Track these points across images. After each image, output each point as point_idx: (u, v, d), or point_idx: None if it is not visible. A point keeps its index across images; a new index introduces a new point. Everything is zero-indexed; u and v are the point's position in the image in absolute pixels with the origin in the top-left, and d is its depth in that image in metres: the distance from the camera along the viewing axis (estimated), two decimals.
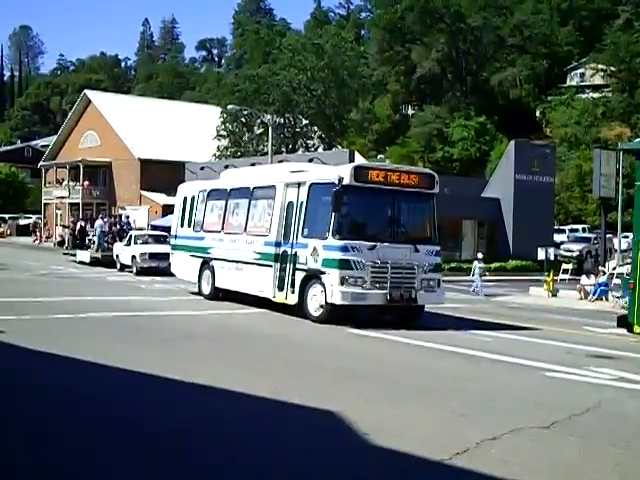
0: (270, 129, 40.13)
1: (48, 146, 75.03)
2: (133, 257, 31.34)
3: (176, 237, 23.37)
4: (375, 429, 7.49)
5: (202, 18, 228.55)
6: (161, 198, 55.54)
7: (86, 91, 69.55)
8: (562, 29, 78.33)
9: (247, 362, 11.46)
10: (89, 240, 39.47)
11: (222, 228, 20.57)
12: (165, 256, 29.95)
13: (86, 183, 62.29)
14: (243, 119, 56.20)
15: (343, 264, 15.69)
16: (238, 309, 18.76)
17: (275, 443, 7.14)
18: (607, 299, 26.10)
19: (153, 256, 30.79)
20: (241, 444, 7.07)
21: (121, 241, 34.57)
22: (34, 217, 72.67)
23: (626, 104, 62.20)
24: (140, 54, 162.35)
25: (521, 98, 76.28)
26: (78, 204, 62.21)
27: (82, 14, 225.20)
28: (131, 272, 31.02)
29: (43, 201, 69.39)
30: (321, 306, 16.14)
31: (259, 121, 54.61)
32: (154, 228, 42.34)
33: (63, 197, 64.84)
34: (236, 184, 21.05)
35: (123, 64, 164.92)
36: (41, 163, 70.88)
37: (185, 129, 59.00)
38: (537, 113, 75.56)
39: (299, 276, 16.84)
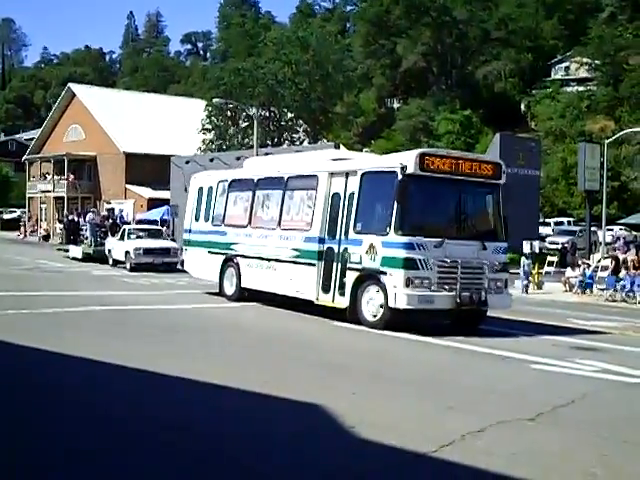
0: (255, 122, 40.02)
1: (32, 140, 74.60)
2: (127, 253, 29.93)
3: (190, 232, 21.36)
4: (361, 422, 7.50)
5: (187, 11, 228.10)
6: (146, 192, 55.39)
7: (70, 84, 69.16)
8: (547, 23, 78.56)
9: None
10: (82, 235, 38.65)
11: (249, 222, 18.70)
12: (161, 252, 29.99)
13: (71, 177, 62.00)
14: (228, 112, 56.04)
15: (408, 263, 13.99)
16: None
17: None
18: (592, 291, 26.26)
19: (148, 252, 29.62)
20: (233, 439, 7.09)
21: (113, 236, 33.32)
22: (18, 211, 72.29)
23: (610, 97, 62.47)
24: (125, 47, 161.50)
25: (506, 91, 76.43)
26: (63, 198, 61.94)
27: (66, 7, 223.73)
28: (124, 268, 29.80)
29: (27, 195, 69.04)
30: (379, 311, 14.49)
31: (244, 114, 54.44)
32: (139, 222, 41.84)
33: (48, 191, 64.53)
34: (265, 174, 19.04)
35: (108, 57, 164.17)
36: (25, 157, 70.49)
37: (170, 123, 58.79)
38: (522, 106, 75.79)
39: (351, 276, 15.10)
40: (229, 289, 19.25)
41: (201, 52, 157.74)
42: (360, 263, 14.88)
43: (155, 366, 10.04)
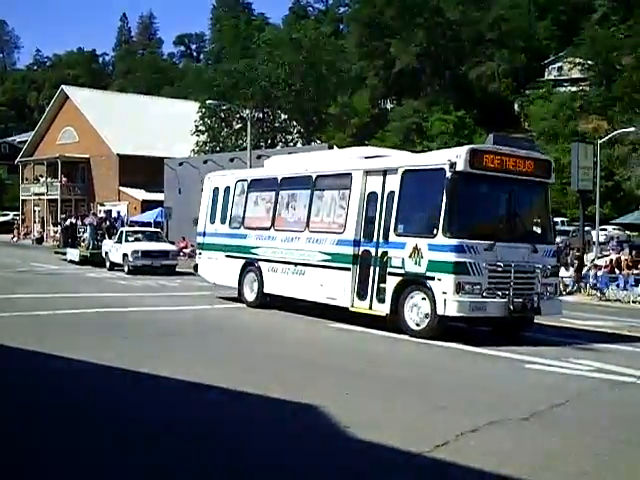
0: (249, 124, 40.03)
1: (25, 142, 74.42)
2: (125, 255, 29.50)
3: (204, 235, 20.32)
4: (355, 422, 7.49)
5: (180, 13, 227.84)
6: (140, 194, 55.31)
7: (63, 86, 69.01)
8: (540, 23, 78.74)
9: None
10: (79, 238, 37.97)
11: (272, 224, 17.64)
12: (159, 254, 29.65)
13: (64, 179, 61.90)
14: (222, 114, 56.01)
15: (459, 268, 13.05)
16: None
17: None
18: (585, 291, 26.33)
19: (146, 254, 29.25)
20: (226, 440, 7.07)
21: (111, 238, 32.80)
22: (11, 214, 72.12)
23: (603, 97, 62.59)
24: (118, 49, 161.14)
25: (499, 92, 76.53)
26: (56, 200, 61.85)
27: (58, 9, 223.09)
28: (122, 271, 29.41)
29: (21, 198, 68.88)
30: (425, 319, 13.58)
31: (238, 116, 54.45)
32: (132, 224, 41.71)
33: (41, 194, 64.42)
34: (289, 172, 18.02)
35: (101, 59, 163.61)
36: (18, 159, 70.34)
37: (164, 125, 58.69)
38: (515, 107, 75.92)
39: (392, 282, 14.09)
40: (249, 295, 18.20)
41: (194, 54, 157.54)
42: (402, 267, 13.91)
43: (147, 367, 10.02)
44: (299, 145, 53.68)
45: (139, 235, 31.87)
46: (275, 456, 6.58)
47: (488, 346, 12.79)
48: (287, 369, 10.56)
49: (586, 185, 30.96)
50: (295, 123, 58.22)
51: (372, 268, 14.61)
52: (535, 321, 15.44)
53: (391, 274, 14.14)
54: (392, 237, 14.24)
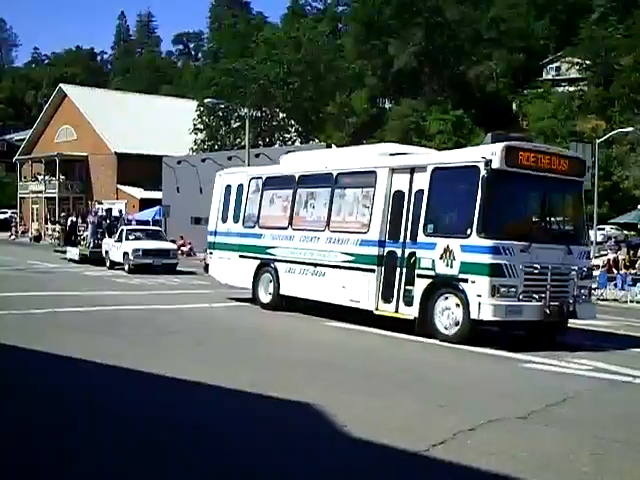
0: (247, 123, 39.99)
1: (23, 140, 74.38)
2: (125, 254, 29.28)
3: (216, 234, 19.67)
4: (353, 420, 7.49)
5: (179, 12, 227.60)
6: (138, 192, 55.31)
7: (61, 85, 68.99)
8: (538, 23, 78.74)
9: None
10: (79, 236, 37.61)
11: (289, 223, 17.07)
12: (160, 253, 29.51)
13: (62, 177, 61.87)
14: (220, 113, 56.00)
15: (494, 270, 12.50)
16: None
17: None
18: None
19: (147, 253, 29.09)
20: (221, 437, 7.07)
21: (111, 237, 32.37)
22: (9, 212, 72.07)
23: (601, 97, 62.62)
24: (116, 48, 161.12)
25: (498, 92, 76.53)
26: (54, 199, 61.86)
27: (57, 7, 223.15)
28: (122, 270, 29.17)
29: (19, 196, 68.85)
30: (457, 323, 13.07)
31: (236, 115, 54.44)
32: (129, 222, 41.53)
33: (39, 192, 64.41)
34: (308, 170, 17.36)
35: (99, 58, 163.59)
36: (16, 157, 70.32)
37: (162, 123, 58.69)
38: (514, 106, 75.90)
39: (421, 284, 13.54)
40: (265, 297, 17.61)
41: (193, 52, 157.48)
42: (432, 269, 13.33)
43: (146, 366, 10.02)
44: (297, 144, 53.66)
45: (140, 234, 31.63)
46: (272, 455, 6.58)
47: (486, 346, 12.78)
48: (292, 369, 10.57)
49: (584, 185, 30.93)
50: (293, 122, 58.22)
51: (398, 269, 14.06)
52: None
53: (420, 276, 13.60)
54: (421, 237, 13.68)
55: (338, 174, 16.11)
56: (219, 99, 49.98)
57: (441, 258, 13.19)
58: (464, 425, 7.42)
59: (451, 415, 8.01)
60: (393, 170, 14.69)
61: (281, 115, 57.36)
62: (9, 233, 63.80)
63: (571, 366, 11.26)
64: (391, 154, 15.72)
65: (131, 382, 9.39)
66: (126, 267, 29.18)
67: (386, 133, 70.91)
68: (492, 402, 8.76)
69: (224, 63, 67.93)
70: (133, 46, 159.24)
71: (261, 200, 18.19)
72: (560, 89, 71.76)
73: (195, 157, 49.74)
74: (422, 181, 13.92)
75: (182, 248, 38.50)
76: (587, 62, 68.08)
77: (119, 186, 57.38)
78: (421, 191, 13.88)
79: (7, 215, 71.85)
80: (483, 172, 12.78)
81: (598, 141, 35.82)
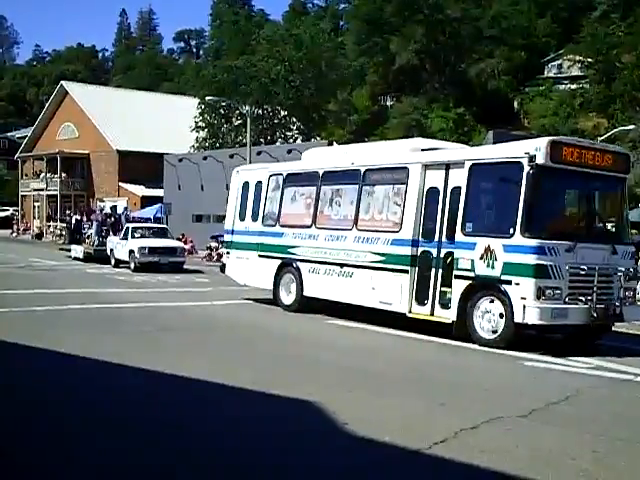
0: (248, 120, 39.96)
1: (25, 137, 74.40)
2: (131, 252, 28.99)
3: (233, 233, 18.96)
4: (354, 419, 7.50)
5: (180, 9, 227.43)
6: (140, 190, 55.31)
7: (63, 82, 68.95)
8: (540, 21, 78.61)
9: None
10: (84, 234, 37.07)
11: (313, 222, 16.44)
12: (166, 251, 29.20)
13: (64, 175, 61.89)
14: (221, 110, 55.95)
15: (540, 271, 11.93)
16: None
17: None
18: None
19: (153, 251, 28.78)
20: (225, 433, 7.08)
21: (115, 235, 32.21)
22: (11, 209, 72.09)
23: (603, 95, 62.51)
24: (118, 45, 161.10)
25: (499, 89, 76.42)
26: (56, 196, 61.89)
27: (58, 4, 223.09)
28: (128, 268, 29.00)
29: (20, 193, 68.87)
30: (499, 326, 12.44)
31: (237, 112, 54.39)
32: (134, 220, 41.40)
33: (41, 189, 64.41)
34: (333, 166, 16.67)
35: (100, 55, 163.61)
36: (18, 155, 70.33)
37: (163, 121, 58.70)
38: (515, 104, 75.83)
39: (459, 286, 12.94)
40: (286, 298, 17.03)
41: (194, 50, 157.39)
42: (472, 270, 12.74)
43: (151, 364, 10.04)
44: (299, 142, 53.63)
45: (145, 231, 31.32)
46: (272, 454, 6.59)
47: (487, 344, 12.77)
48: (294, 367, 10.58)
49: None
50: (295, 120, 58.16)
51: (433, 270, 13.45)
52: None
53: (458, 277, 12.98)
54: (459, 237, 13.06)
55: (366, 170, 15.44)
56: (220, 97, 49.94)
57: (481, 259, 12.63)
58: (465, 423, 7.43)
59: (452, 413, 8.01)
60: (426, 166, 14.07)
61: (282, 113, 57.28)
62: (10, 231, 63.81)
63: (573, 364, 11.26)
64: (422, 149, 15.16)
65: (133, 379, 9.41)
66: (132, 265, 28.90)
67: (388, 131, 70.98)
68: (493, 400, 8.77)
69: (225, 60, 67.84)
70: (134, 43, 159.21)
71: (282, 197, 17.54)
72: (562, 87, 71.66)
73: (196, 155, 49.73)
74: (459, 178, 13.32)
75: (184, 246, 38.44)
76: (589, 60, 67.96)
77: (120, 184, 57.38)
78: (458, 188, 13.30)
79: (9, 213, 71.85)
80: (527, 168, 12.21)
81: (600, 139, 35.77)
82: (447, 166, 13.69)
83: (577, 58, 71.44)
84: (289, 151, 38.32)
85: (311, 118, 58.71)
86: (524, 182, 12.20)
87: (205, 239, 36.75)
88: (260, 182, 18.27)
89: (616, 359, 11.81)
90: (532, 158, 12.17)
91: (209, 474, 6.10)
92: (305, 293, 16.43)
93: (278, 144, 51.93)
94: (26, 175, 68.47)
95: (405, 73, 78.24)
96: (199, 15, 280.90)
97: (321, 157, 18.10)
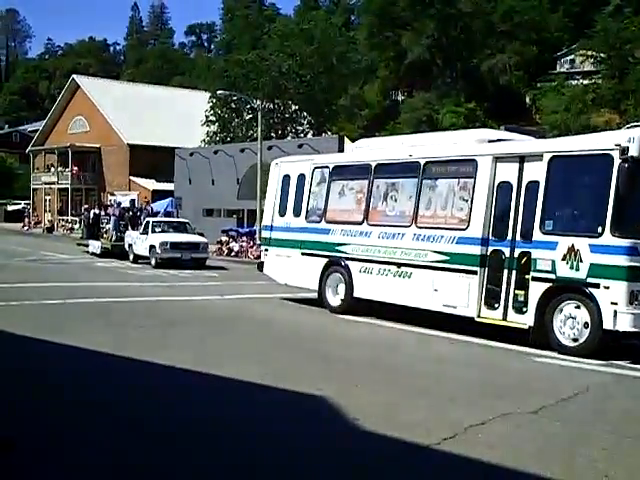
0: (259, 115, 39.95)
1: (36, 131, 74.57)
2: (152, 247, 27.84)
3: (272, 229, 17.86)
4: (364, 414, 7.51)
5: (191, 3, 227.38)
6: (150, 184, 55.40)
7: (74, 76, 69.06)
8: (552, 15, 78.27)
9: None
10: (102, 229, 35.82)
11: (365, 218, 15.42)
12: (189, 246, 28.04)
13: (75, 169, 62.07)
14: (232, 104, 55.96)
15: (633, 273, 10.97)
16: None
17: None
18: None
19: (175, 246, 27.63)
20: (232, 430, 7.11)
21: (134, 229, 31.12)
22: (23, 203, 72.35)
23: (615, 91, 62.20)
24: (129, 39, 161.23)
25: (511, 85, 76.19)
26: (67, 190, 62.08)
27: None
28: (148, 264, 27.98)
29: (32, 187, 69.11)
30: (584, 333, 11.48)
31: (248, 107, 54.38)
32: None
33: (52, 183, 64.60)
34: (387, 158, 15.56)
35: (112, 49, 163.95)
36: (29, 148, 70.55)
37: (174, 114, 58.72)
38: (527, 100, 75.57)
39: (537, 289, 11.97)
40: (333, 299, 16.07)
41: (205, 44, 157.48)
42: (553, 272, 11.78)
43: (157, 357, 10.08)
44: (309, 136, 53.62)
45: (166, 226, 30.23)
46: (282, 449, 6.61)
47: (497, 339, 12.77)
48: (307, 362, 10.60)
49: None
50: (305, 114, 58.13)
51: (506, 271, 12.52)
52: None
53: (536, 279, 12.03)
54: (537, 235, 12.09)
55: (427, 163, 14.35)
56: (231, 91, 49.96)
57: (564, 259, 11.65)
58: (475, 419, 7.44)
59: (462, 408, 8.02)
60: (497, 158, 13.11)
61: (293, 107, 57.26)
62: (22, 224, 64.06)
63: (582, 361, 11.21)
64: (490, 140, 14.19)
65: (143, 373, 9.46)
66: (152, 261, 27.96)
67: (399, 126, 70.87)
68: (503, 396, 8.76)
69: (236, 54, 67.82)
70: (146, 37, 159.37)
71: (328, 191, 16.48)
72: (574, 82, 71.34)
73: (207, 149, 49.77)
74: (536, 171, 12.36)
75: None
76: (601, 55, 67.63)
77: (131, 177, 57.48)
78: (535, 183, 12.34)
79: (20, 206, 72.12)
80: (618, 161, 11.20)
81: None
82: (521, 159, 12.77)
83: (589, 53, 71.08)
84: (300, 145, 38.34)
85: (322, 113, 58.67)
86: (614, 176, 11.22)
87: (216, 233, 36.78)
88: (303, 175, 17.21)
89: (626, 356, 11.76)
90: (624, 150, 11.15)
91: (210, 474, 6.13)
92: (355, 294, 15.45)
93: (289, 139, 51.93)
94: (37, 169, 68.67)
95: (416, 68, 78.06)
96: (211, 9, 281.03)
97: (372, 148, 16.88)
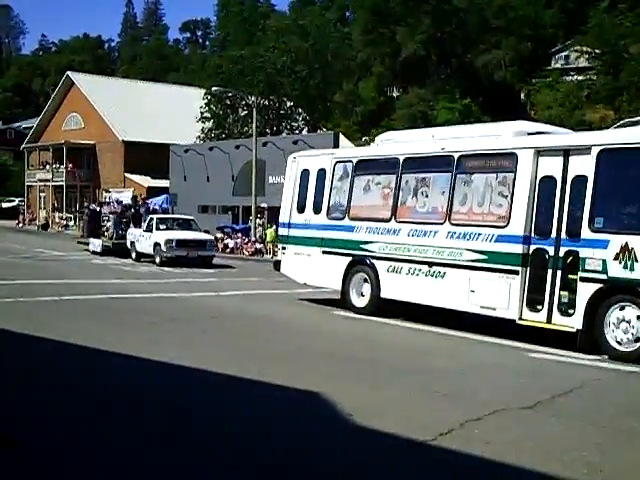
0: (254, 111, 39.93)
1: (31, 128, 74.41)
2: (156, 245, 27.22)
3: (290, 226, 17.04)
4: (359, 410, 7.52)
5: None
6: (145, 180, 55.36)
7: (69, 72, 68.88)
8: (547, 11, 78.32)
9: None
10: (102, 226, 34.79)
11: (393, 214, 14.64)
12: (196, 244, 27.41)
13: (70, 166, 61.97)
14: (227, 101, 55.91)
15: None
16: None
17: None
18: None
19: (181, 244, 26.98)
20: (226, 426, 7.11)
21: (136, 226, 30.37)
22: (17, 200, 72.22)
23: (610, 87, 62.27)
24: (123, 35, 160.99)
25: (506, 80, 76.21)
26: (62, 187, 62.00)
27: None
28: (152, 262, 27.50)
29: (26, 184, 68.97)
30: (638, 338, 10.84)
31: (243, 103, 54.34)
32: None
33: (46, 180, 64.51)
34: (416, 152, 14.79)
35: (106, 45, 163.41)
36: (24, 145, 70.39)
37: (169, 111, 58.64)
38: (522, 95, 75.62)
39: (586, 290, 11.29)
40: (358, 300, 15.37)
41: (200, 40, 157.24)
42: (604, 272, 11.08)
43: (162, 356, 10.08)
44: (305, 132, 53.61)
45: (171, 223, 29.56)
46: (276, 445, 6.62)
47: (492, 335, 12.78)
48: (296, 358, 10.61)
49: None
50: (301, 110, 58.12)
51: (550, 271, 11.84)
52: None
53: (584, 280, 11.35)
54: (585, 233, 11.39)
55: (461, 156, 13.61)
56: (226, 87, 49.92)
57: (616, 259, 10.97)
58: (471, 415, 7.44)
59: (458, 405, 8.03)
60: (539, 152, 12.38)
61: (288, 103, 57.24)
62: (17, 221, 63.94)
63: (578, 356, 11.23)
64: (529, 133, 13.51)
65: (139, 366, 9.46)
66: (157, 259, 27.29)
67: (394, 122, 70.81)
68: (498, 392, 8.78)
69: (231, 51, 67.74)
70: (140, 34, 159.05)
71: (352, 187, 15.69)
72: (569, 78, 71.39)
73: (202, 145, 49.74)
74: (583, 165, 11.66)
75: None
76: (596, 51, 67.70)
77: (126, 174, 57.43)
78: (582, 177, 11.63)
79: (15, 203, 71.98)
80: None
81: None
82: (566, 152, 12.05)
83: (584, 49, 71.17)
84: (295, 142, 38.34)
85: (317, 109, 58.67)
86: None
87: (211, 230, 36.77)
88: (323, 170, 16.43)
89: None
90: None
91: (211, 469, 6.12)
92: (383, 295, 14.77)
93: (284, 135, 51.91)
94: (32, 165, 68.55)
95: (411, 64, 78.02)
96: (205, 5, 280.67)
97: (400, 141, 15.98)
